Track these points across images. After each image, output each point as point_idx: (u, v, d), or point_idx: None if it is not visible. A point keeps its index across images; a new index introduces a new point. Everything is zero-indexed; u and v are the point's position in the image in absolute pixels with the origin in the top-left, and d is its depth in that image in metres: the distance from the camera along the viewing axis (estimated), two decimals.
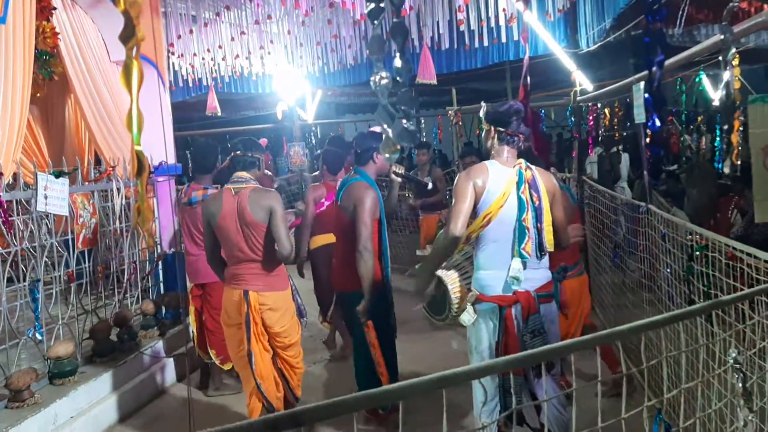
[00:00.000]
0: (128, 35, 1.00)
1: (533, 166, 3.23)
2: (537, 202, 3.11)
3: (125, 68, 0.99)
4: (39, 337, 4.45)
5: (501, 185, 3.10)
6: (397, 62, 1.36)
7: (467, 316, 3.14)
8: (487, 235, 3.13)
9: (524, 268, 3.07)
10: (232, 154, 4.04)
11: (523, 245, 3.05)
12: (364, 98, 15.35)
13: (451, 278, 3.23)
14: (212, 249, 3.98)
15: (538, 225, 3.10)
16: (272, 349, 3.95)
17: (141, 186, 1.12)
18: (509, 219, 3.09)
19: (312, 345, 5.95)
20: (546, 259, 3.19)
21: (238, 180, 3.90)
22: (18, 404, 4.04)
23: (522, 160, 3.20)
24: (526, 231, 3.06)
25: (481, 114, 3.33)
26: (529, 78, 5.15)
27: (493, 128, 3.25)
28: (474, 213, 3.13)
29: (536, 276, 3.14)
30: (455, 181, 3.22)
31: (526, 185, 3.11)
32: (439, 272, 3.25)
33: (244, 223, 3.78)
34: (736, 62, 3.39)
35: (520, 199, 3.09)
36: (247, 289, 3.80)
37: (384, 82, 1.38)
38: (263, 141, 8.06)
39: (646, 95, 3.50)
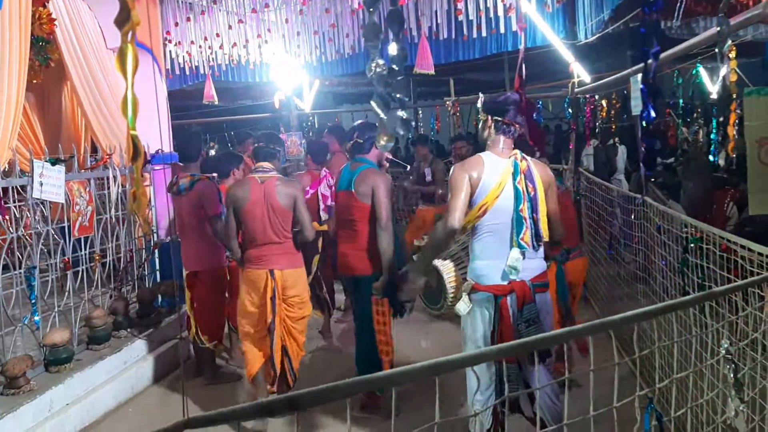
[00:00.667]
0: (123, 19, 1.00)
1: (528, 157, 3.26)
2: (533, 193, 3.13)
3: (120, 53, 0.99)
4: (36, 324, 4.46)
5: (496, 176, 3.12)
6: (393, 50, 1.36)
7: (463, 306, 3.16)
8: (482, 226, 3.15)
9: (523, 257, 3.09)
10: (255, 145, 4.42)
11: (521, 235, 3.08)
12: (362, 88, 15.31)
13: (447, 268, 3.25)
14: (232, 231, 4.29)
15: (534, 215, 3.13)
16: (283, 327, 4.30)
17: (136, 171, 1.13)
18: (505, 209, 3.11)
19: (308, 334, 5.96)
20: (541, 249, 3.22)
21: (262, 170, 4.27)
22: (14, 391, 4.05)
23: (517, 151, 3.22)
24: (524, 221, 3.09)
25: (479, 104, 3.36)
26: (524, 68, 5.14)
27: (490, 118, 3.26)
28: (470, 204, 3.14)
29: (532, 266, 3.15)
30: (450, 173, 3.23)
31: (522, 176, 3.13)
32: (435, 262, 3.27)
33: (272, 210, 4.15)
34: (732, 55, 3.39)
35: (516, 189, 3.11)
36: (272, 268, 4.19)
37: (380, 70, 1.38)
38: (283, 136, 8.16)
39: (642, 86, 3.51)
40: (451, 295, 3.22)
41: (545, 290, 3.24)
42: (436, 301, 3.36)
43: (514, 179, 3.12)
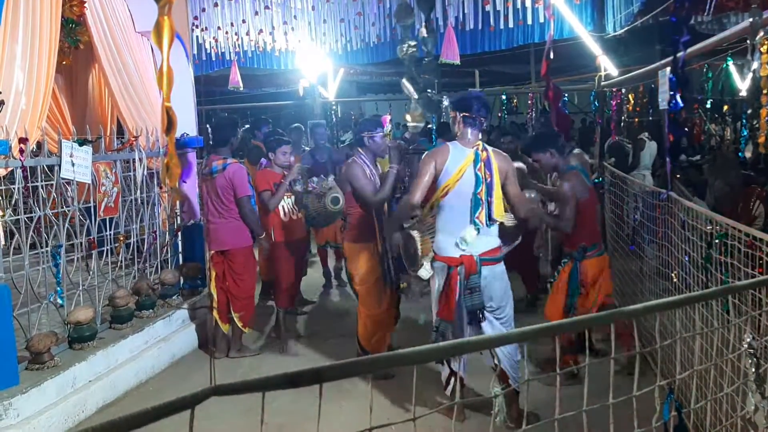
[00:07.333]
0: None
1: (489, 148, 3.81)
2: (489, 179, 3.69)
3: (156, 26, 1.01)
4: (60, 301, 4.53)
5: (459, 163, 3.68)
6: (423, 32, 1.37)
7: (424, 272, 3.84)
8: (445, 204, 3.74)
9: (478, 233, 3.65)
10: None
11: (477, 214, 3.66)
12: (386, 78, 15.27)
13: (419, 238, 3.89)
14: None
15: (489, 198, 3.68)
16: None
17: (170, 142, 1.15)
18: (465, 191, 3.67)
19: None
20: (495, 228, 3.77)
21: None
22: (38, 366, 4.13)
23: (480, 142, 3.77)
24: (480, 202, 3.66)
25: (446, 103, 4.11)
26: (552, 53, 5.12)
27: (458, 114, 3.80)
28: (436, 185, 3.72)
29: (483, 242, 3.71)
30: (421, 159, 3.84)
31: (482, 164, 3.68)
32: (412, 232, 3.91)
33: None
34: (764, 48, 3.34)
35: (476, 175, 3.66)
36: None
37: (411, 51, 1.40)
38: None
39: (671, 75, 3.49)
40: (421, 261, 3.83)
41: (495, 263, 3.78)
42: (413, 264, 3.94)
43: (475, 166, 3.67)
